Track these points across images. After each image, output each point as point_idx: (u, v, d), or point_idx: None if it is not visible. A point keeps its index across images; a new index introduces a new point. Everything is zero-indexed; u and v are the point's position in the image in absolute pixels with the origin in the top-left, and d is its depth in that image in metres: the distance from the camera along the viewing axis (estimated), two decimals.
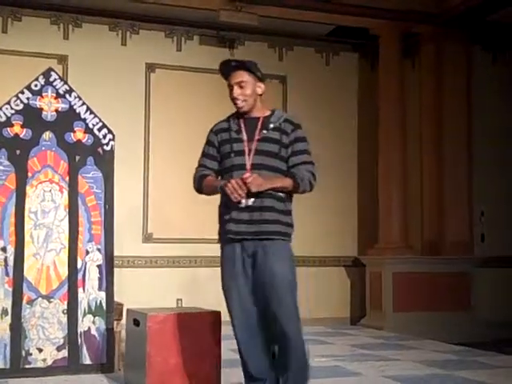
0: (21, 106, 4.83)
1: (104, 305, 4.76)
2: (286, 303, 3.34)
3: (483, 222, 8.73)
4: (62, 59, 7.42)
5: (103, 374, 4.58)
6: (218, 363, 4.15)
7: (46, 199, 4.79)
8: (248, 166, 3.42)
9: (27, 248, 4.67)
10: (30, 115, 4.83)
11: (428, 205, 8.42)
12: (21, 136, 4.79)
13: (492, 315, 7.94)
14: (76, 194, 4.85)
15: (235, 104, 3.50)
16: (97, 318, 4.73)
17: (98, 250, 4.84)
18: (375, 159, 8.42)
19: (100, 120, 5.03)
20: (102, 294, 4.78)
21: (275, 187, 3.38)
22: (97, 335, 4.71)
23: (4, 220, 4.64)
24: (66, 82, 5.09)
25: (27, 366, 4.51)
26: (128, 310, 4.46)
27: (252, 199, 3.35)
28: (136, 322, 4.25)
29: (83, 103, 5.01)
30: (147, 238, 7.54)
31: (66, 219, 4.80)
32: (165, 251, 7.53)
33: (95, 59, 7.58)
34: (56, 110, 4.92)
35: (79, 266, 4.76)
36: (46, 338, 4.59)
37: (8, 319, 4.53)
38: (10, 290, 4.56)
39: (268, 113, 3.55)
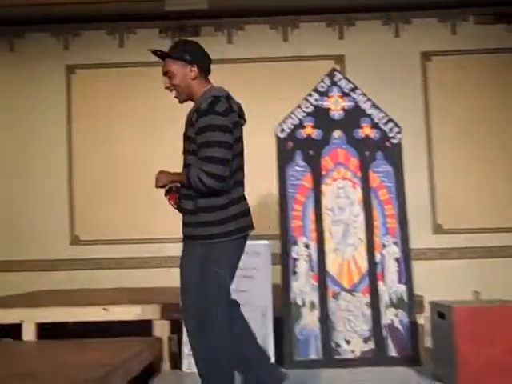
0: (311, 108, 5.06)
1: (405, 298, 4.76)
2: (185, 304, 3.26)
3: None
4: (339, 59, 7.61)
5: (409, 368, 4.57)
6: None
7: (341, 196, 4.94)
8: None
9: (327, 244, 4.85)
10: (320, 116, 5.03)
11: None
12: (312, 136, 5.02)
13: None
14: (369, 189, 4.93)
15: None
16: (399, 310, 4.75)
17: (395, 243, 4.86)
18: None
19: (386, 114, 5.07)
20: (402, 287, 4.79)
21: (174, 181, 3.16)
22: (400, 328, 4.73)
23: (305, 217, 4.88)
24: (350, 81, 5.20)
25: (338, 357, 4.68)
26: (431, 303, 4.41)
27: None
28: (441, 315, 4.19)
29: (368, 99, 5.10)
30: (437, 229, 7.39)
31: (361, 214, 4.90)
32: (456, 242, 7.31)
33: (370, 55, 7.63)
34: (343, 109, 5.06)
35: (377, 259, 4.83)
36: (352, 330, 4.73)
37: (316, 312, 4.75)
38: (316, 284, 4.78)
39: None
